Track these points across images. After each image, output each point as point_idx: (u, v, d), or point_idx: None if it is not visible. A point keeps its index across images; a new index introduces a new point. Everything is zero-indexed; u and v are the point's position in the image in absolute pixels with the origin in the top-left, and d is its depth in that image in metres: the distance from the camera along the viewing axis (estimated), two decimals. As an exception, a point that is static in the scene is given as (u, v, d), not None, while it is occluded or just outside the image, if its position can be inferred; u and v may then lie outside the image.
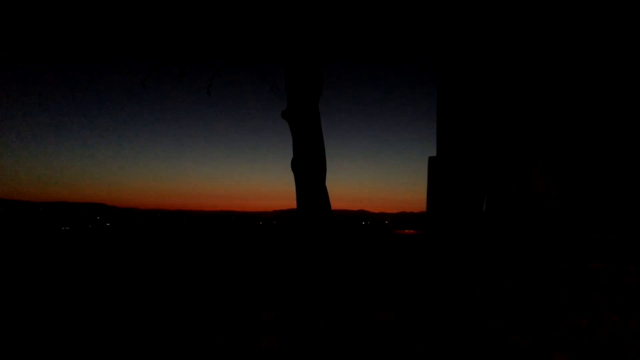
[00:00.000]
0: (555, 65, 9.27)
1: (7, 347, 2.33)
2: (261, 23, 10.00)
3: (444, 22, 10.47)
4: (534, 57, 9.44)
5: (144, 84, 10.49)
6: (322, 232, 9.15)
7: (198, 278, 4.23)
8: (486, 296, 3.49)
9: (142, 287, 3.80)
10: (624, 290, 3.71)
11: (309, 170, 9.68)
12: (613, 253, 5.91)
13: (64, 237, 8.46)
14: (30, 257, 5.63)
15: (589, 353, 2.27)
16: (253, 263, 5.20)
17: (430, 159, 10.06)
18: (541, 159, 8.30)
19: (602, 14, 8.74)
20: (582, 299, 3.40)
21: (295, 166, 9.81)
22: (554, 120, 9.29)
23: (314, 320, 2.81)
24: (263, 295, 3.50)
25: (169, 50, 10.39)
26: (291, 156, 9.93)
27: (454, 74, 10.62)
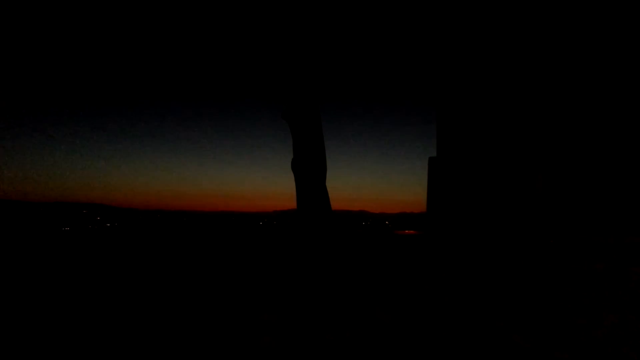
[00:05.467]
0: (555, 65, 9.27)
1: (8, 347, 2.33)
2: (261, 24, 9.99)
3: (444, 23, 10.47)
4: (533, 58, 9.44)
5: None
6: (323, 233, 9.14)
7: (199, 279, 4.23)
8: (487, 296, 3.49)
9: (143, 288, 3.80)
10: (624, 291, 3.71)
11: (309, 171, 9.68)
12: (614, 254, 5.91)
13: (64, 237, 8.45)
14: (31, 258, 5.63)
15: (590, 353, 2.28)
16: (254, 264, 5.20)
17: (431, 159, 10.06)
18: (541, 160, 8.32)
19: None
20: (583, 299, 3.40)
21: (296, 166, 9.80)
22: (553, 121, 9.29)
23: (314, 321, 2.81)
24: (264, 296, 3.50)
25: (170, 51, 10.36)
26: (291, 157, 9.92)
27: (453, 75, 10.63)
